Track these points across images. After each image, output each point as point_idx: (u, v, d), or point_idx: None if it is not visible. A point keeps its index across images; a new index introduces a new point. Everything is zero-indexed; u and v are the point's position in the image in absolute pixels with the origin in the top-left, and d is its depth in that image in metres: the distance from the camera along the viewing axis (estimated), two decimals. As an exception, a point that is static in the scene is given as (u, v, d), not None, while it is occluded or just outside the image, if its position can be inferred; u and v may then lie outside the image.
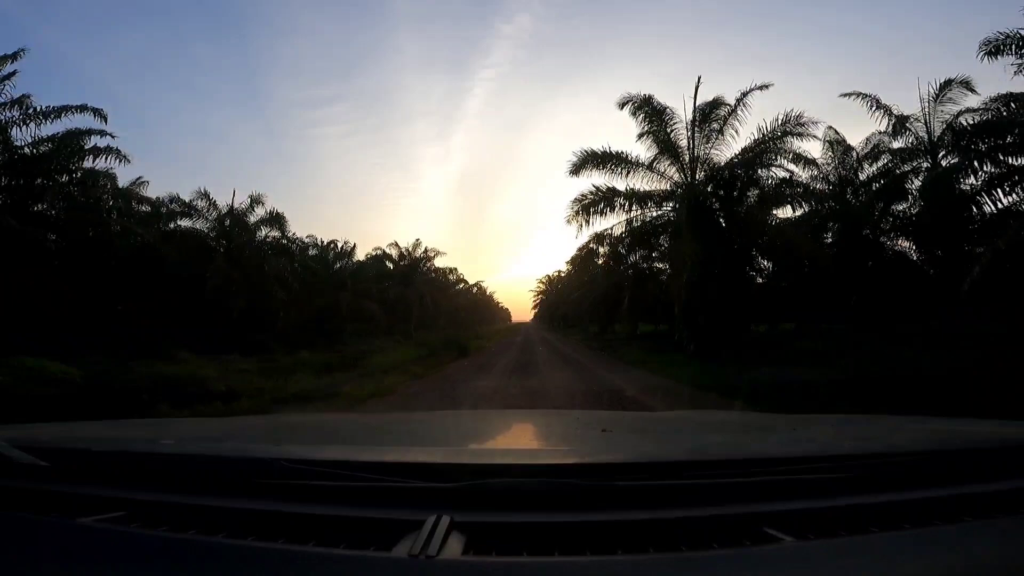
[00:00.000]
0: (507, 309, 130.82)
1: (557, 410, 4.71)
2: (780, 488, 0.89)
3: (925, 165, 13.90)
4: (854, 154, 15.62)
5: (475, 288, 57.36)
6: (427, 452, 1.30)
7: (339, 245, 29.78)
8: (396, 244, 34.35)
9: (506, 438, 1.81)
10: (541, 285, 73.68)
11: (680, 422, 2.07)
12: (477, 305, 64.73)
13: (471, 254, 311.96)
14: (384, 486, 0.89)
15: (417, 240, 35.39)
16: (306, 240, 28.41)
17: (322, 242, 28.64)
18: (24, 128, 13.27)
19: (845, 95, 14.68)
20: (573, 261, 32.17)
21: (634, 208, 14.36)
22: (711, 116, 13.85)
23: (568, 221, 14.63)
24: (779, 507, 0.84)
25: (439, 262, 37.28)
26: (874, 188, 15.10)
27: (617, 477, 0.90)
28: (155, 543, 0.77)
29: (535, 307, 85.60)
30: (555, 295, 61.46)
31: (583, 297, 30.56)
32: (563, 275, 57.28)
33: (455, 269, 46.03)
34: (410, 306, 32.98)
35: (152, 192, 17.96)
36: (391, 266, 34.15)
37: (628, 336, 25.16)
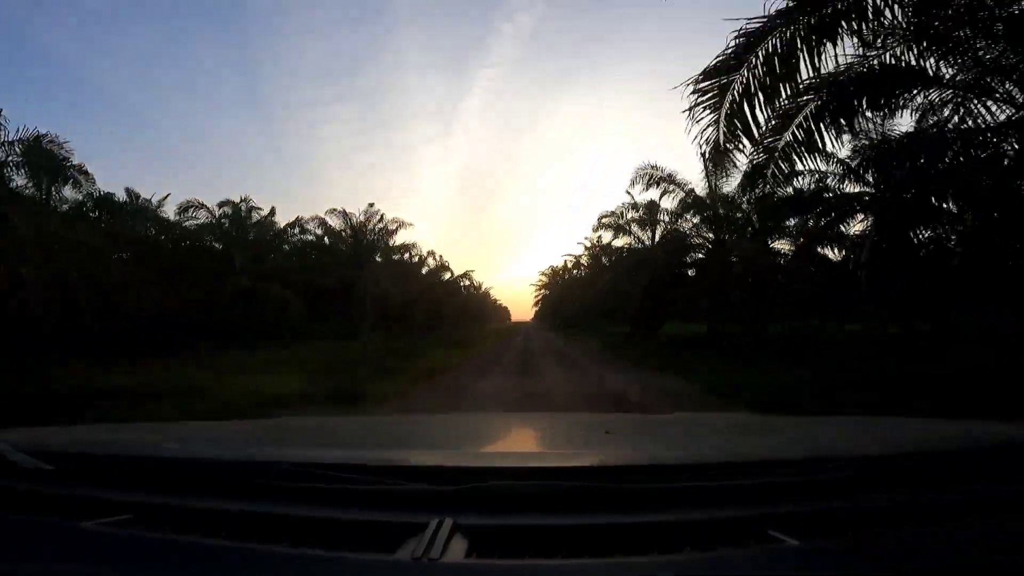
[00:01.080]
0: (506, 308, 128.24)
1: (560, 413, 4.54)
2: (783, 490, 0.88)
3: None
4: None
5: (464, 279, 46.11)
6: (429, 455, 1.28)
7: (241, 206, 19.88)
8: (340, 211, 24.35)
9: (509, 441, 1.79)
10: (544, 278, 63.42)
11: (683, 425, 1.98)
12: (468, 301, 53.94)
13: (471, 253, 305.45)
14: (387, 489, 0.89)
15: (370, 205, 25.30)
16: (193, 201, 18.75)
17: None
18: None
19: None
20: (603, 227, 21.47)
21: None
22: None
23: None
24: (783, 509, 0.84)
25: (404, 237, 27.07)
26: None
27: (620, 480, 0.89)
28: (159, 546, 0.78)
29: (536, 304, 75.27)
30: (562, 288, 51.29)
31: (615, 281, 20.40)
32: (570, 266, 47.33)
33: (433, 252, 35.85)
34: (361, 296, 23.17)
35: None
36: (340, 245, 24.20)
37: (696, 343, 15.42)
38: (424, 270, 35.21)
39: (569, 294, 45.70)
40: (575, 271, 46.31)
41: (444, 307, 39.40)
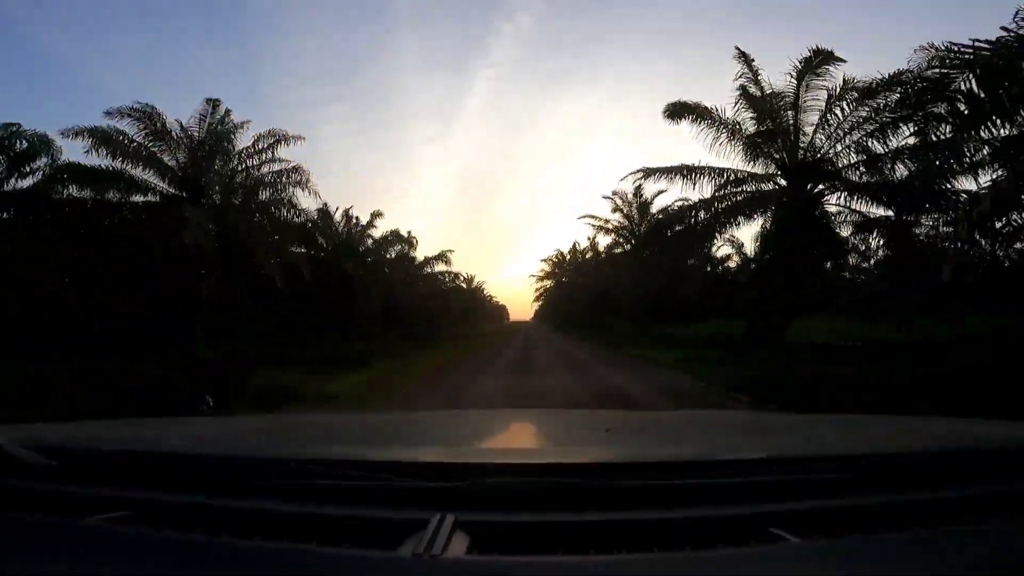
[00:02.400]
0: (504, 306, 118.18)
1: (561, 410, 4.58)
2: (785, 488, 0.88)
3: None
4: None
5: (440, 261, 30.56)
6: (431, 452, 1.29)
7: None
8: (139, 109, 12.25)
9: (510, 437, 1.76)
10: (546, 268, 51.47)
11: (684, 422, 1.99)
12: (451, 294, 41.59)
13: (470, 253, 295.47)
14: (388, 486, 0.89)
15: (211, 104, 12.81)
16: None
17: None
18: None
19: None
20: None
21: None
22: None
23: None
24: (784, 507, 0.83)
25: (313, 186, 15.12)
26: None
27: (621, 477, 0.90)
28: (160, 543, 0.77)
29: (537, 299, 63.22)
30: (575, 273, 39.24)
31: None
32: (584, 245, 35.39)
33: (380, 213, 23.10)
34: (196, 268, 11.45)
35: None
36: (130, 167, 12.30)
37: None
38: (373, 243, 23.40)
39: (584, 281, 33.86)
40: (590, 253, 34.39)
41: (425, 302, 27.58)
